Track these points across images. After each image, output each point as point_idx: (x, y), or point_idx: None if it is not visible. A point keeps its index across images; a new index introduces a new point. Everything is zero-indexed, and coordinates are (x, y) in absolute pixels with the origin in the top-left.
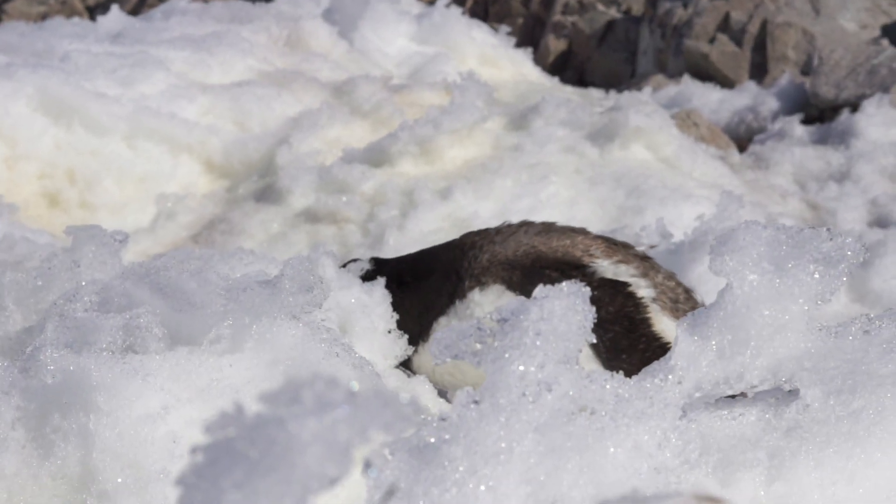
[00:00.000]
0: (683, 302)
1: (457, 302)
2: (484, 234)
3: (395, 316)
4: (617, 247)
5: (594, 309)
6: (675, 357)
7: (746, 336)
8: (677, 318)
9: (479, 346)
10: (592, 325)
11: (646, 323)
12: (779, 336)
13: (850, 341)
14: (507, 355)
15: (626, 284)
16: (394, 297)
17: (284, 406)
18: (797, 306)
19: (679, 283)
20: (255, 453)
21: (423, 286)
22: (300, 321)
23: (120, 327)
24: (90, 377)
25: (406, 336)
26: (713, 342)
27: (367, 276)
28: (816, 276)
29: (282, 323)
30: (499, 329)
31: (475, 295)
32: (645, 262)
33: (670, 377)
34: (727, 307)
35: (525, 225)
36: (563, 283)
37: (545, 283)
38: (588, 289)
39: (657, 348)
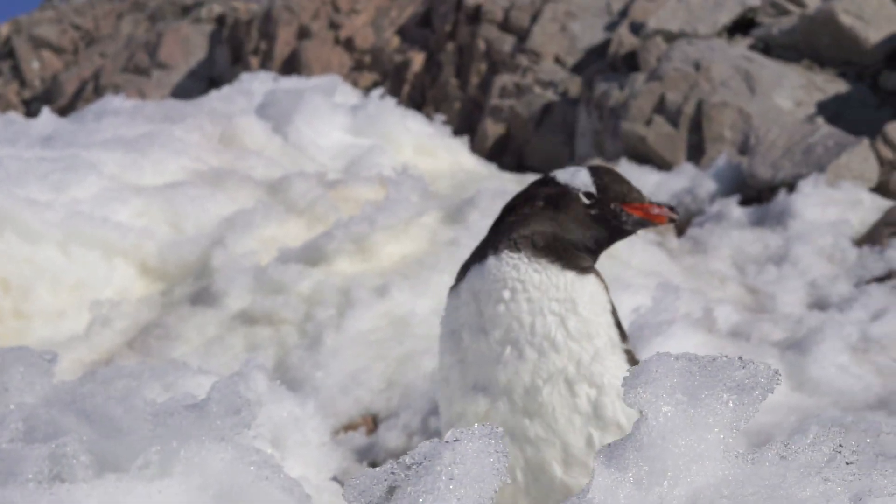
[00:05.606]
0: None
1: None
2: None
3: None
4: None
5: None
6: (593, 491)
7: (663, 466)
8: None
9: (393, 490)
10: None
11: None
12: (696, 465)
13: (768, 467)
14: (420, 501)
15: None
16: None
17: None
18: (713, 435)
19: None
20: None
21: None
22: (229, 443)
23: (46, 457)
24: None
25: None
26: (630, 474)
27: None
28: (730, 404)
29: (210, 446)
30: (412, 473)
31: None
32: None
33: None
34: (643, 438)
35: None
36: (476, 426)
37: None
38: (501, 430)
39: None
